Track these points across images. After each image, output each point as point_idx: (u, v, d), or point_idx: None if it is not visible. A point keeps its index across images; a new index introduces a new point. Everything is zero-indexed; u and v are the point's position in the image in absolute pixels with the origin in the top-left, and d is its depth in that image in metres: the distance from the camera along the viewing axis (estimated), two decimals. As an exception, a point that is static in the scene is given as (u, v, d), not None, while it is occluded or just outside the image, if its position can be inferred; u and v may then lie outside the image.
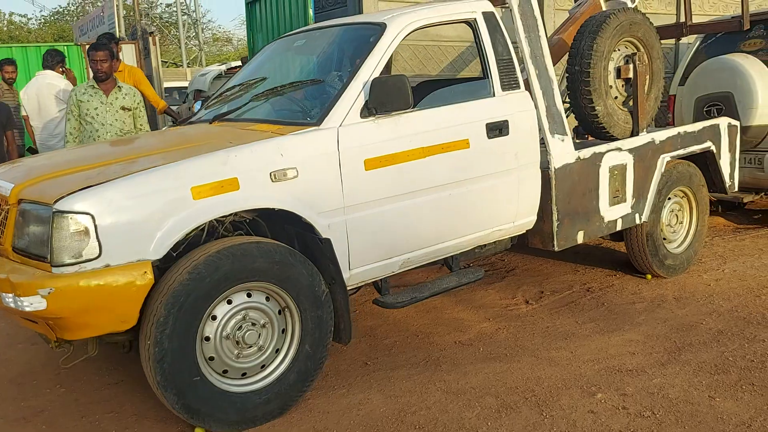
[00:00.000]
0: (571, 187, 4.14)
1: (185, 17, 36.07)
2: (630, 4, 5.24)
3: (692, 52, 6.81)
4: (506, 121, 3.78)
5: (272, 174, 2.94)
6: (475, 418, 3.10)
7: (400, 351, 3.93)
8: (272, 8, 7.41)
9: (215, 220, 2.98)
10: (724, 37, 6.60)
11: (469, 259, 4.23)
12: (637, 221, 4.62)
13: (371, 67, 3.35)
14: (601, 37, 4.35)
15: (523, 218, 4.03)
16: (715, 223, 6.93)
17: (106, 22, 17.94)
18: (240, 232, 3.20)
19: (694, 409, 3.08)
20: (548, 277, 5.22)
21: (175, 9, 34.62)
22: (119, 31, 17.00)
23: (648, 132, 4.69)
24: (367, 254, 3.33)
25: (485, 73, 3.84)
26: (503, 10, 4.45)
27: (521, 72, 3.95)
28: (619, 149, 4.42)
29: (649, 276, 5.01)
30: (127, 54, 13.58)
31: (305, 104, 3.53)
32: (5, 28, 27.45)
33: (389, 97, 3.21)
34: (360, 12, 6.13)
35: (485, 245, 4.17)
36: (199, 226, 2.81)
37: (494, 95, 3.81)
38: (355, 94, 3.27)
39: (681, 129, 4.84)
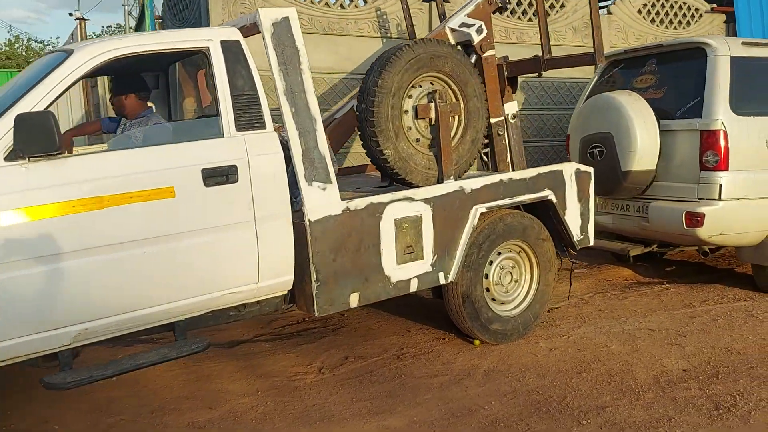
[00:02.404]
0: (336, 243, 3.57)
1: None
2: (475, 37, 4.69)
3: (589, 88, 6.24)
4: (234, 166, 3.24)
5: None
6: None
7: (113, 434, 3.36)
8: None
9: None
10: (622, 71, 6.03)
11: (225, 322, 3.67)
12: (442, 281, 4.02)
13: (32, 101, 2.85)
14: (389, 72, 3.80)
15: (272, 278, 3.46)
16: (616, 276, 6.28)
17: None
18: None
19: None
20: (370, 339, 4.61)
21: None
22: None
23: (460, 179, 4.12)
24: (13, 326, 2.79)
25: (217, 110, 3.31)
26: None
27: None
28: (411, 199, 3.84)
29: (476, 342, 4.38)
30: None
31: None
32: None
33: (34, 136, 2.70)
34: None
35: (245, 306, 3.61)
36: None
37: (224, 136, 3.27)
38: (2, 132, 2.76)
39: (504, 176, 4.24)
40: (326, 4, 6.16)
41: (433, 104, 3.97)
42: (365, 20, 6.33)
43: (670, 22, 8.11)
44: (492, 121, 4.89)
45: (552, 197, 4.43)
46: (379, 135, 3.79)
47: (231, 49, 3.38)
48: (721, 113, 5.07)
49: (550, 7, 7.28)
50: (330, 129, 4.35)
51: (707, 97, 5.16)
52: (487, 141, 4.97)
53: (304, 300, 3.62)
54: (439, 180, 4.03)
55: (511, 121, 5.11)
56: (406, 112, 3.96)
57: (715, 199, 5.08)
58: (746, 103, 5.17)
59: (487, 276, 4.33)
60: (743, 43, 5.38)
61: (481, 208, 4.10)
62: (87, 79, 12.59)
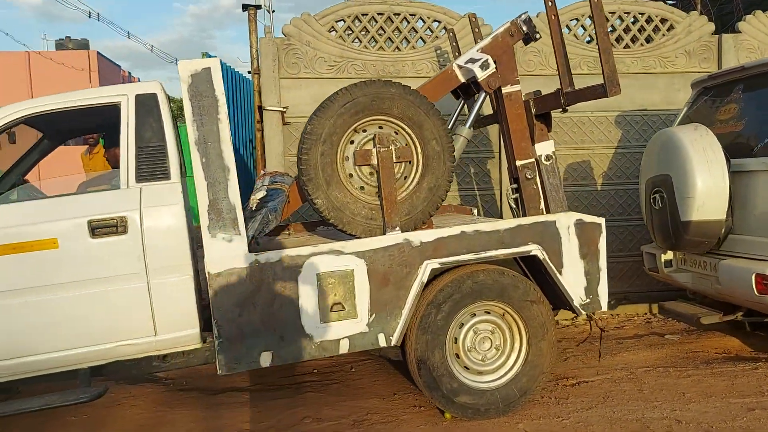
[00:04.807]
0: (243, 298, 3.40)
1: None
2: (479, 73, 4.25)
3: (677, 121, 5.33)
4: (123, 217, 3.28)
5: None
6: None
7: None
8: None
9: None
10: (711, 100, 5.06)
11: (152, 371, 3.69)
12: (383, 343, 3.62)
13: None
14: (319, 118, 3.58)
15: (173, 332, 3.41)
16: (710, 347, 5.21)
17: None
18: None
19: None
20: (350, 399, 4.31)
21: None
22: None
23: (416, 230, 3.71)
24: None
25: (120, 162, 3.39)
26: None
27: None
28: (339, 252, 3.54)
29: (447, 414, 3.87)
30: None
31: None
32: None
33: None
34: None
35: (166, 356, 3.61)
36: None
37: (120, 187, 3.33)
38: None
39: (468, 227, 3.74)
40: (380, 48, 6.04)
41: (373, 150, 3.65)
42: (423, 60, 6.09)
43: (833, 36, 6.60)
44: (518, 163, 4.41)
45: (539, 253, 3.80)
46: (308, 183, 3.57)
47: (145, 103, 3.45)
48: (803, 149, 3.99)
49: (654, 30, 6.37)
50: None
51: (787, 129, 4.10)
52: (516, 186, 4.49)
53: (213, 356, 3.49)
54: (384, 231, 3.67)
55: (545, 162, 4.52)
56: (347, 158, 3.69)
57: (794, 259, 3.98)
58: (843, 135, 4.01)
59: (456, 340, 3.82)
60: None
61: (433, 263, 3.65)
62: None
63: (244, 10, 8.41)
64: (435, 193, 3.77)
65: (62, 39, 23.21)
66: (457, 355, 3.83)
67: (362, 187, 3.72)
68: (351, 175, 3.70)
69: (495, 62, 4.28)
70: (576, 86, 4.25)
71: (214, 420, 4.09)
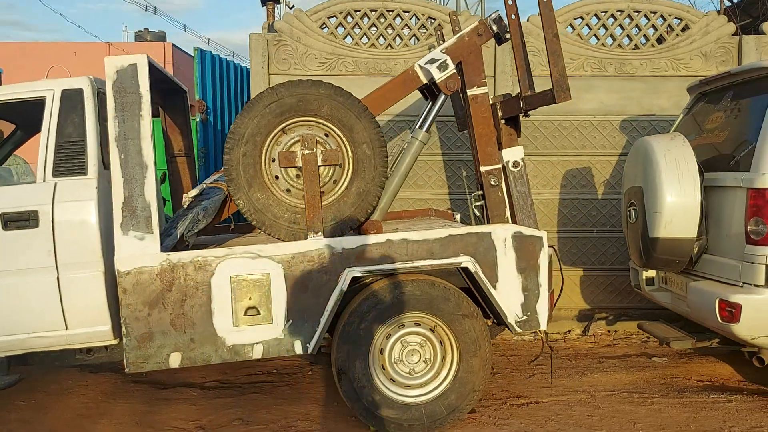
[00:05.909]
0: (152, 297, 3.39)
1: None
2: (436, 74, 4.09)
3: (674, 127, 4.99)
4: (35, 211, 3.32)
5: None
6: None
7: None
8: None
9: None
10: (704, 107, 4.70)
11: (75, 364, 3.74)
12: (299, 350, 3.53)
13: None
14: (242, 118, 3.51)
15: (84, 327, 3.44)
16: (696, 373, 4.86)
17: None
18: None
19: None
20: (292, 403, 4.24)
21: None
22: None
23: (342, 236, 3.60)
24: None
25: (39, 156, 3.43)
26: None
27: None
28: (256, 255, 3.47)
29: (372, 426, 3.75)
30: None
31: None
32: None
33: None
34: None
35: (90, 350, 3.66)
36: None
37: (36, 181, 3.37)
38: None
39: (395, 236, 3.58)
40: (372, 45, 5.92)
41: (298, 152, 3.55)
42: (416, 59, 5.87)
43: None
44: (483, 169, 4.22)
45: (471, 265, 3.61)
46: (229, 184, 3.52)
47: (70, 98, 3.48)
48: (776, 165, 3.64)
49: (667, 30, 5.97)
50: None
51: (761, 142, 3.74)
52: (481, 192, 4.32)
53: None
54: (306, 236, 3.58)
55: (512, 169, 4.32)
56: (273, 160, 3.61)
57: (760, 286, 3.64)
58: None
59: (383, 351, 3.69)
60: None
61: (354, 271, 3.52)
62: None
63: (263, 5, 8.46)
64: (364, 199, 3.64)
65: (141, 31, 24.18)
66: (383, 367, 3.70)
67: (288, 190, 3.63)
68: (277, 177, 3.62)
69: (460, 63, 4.12)
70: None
71: (149, 415, 4.11)
